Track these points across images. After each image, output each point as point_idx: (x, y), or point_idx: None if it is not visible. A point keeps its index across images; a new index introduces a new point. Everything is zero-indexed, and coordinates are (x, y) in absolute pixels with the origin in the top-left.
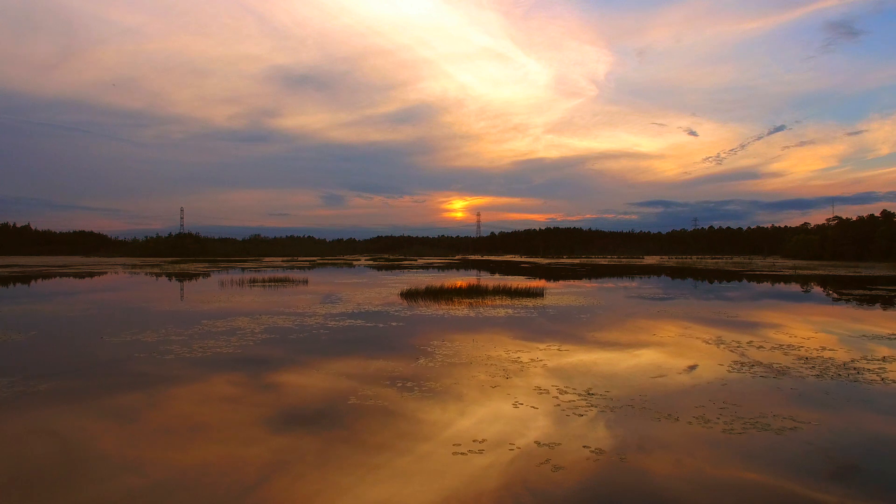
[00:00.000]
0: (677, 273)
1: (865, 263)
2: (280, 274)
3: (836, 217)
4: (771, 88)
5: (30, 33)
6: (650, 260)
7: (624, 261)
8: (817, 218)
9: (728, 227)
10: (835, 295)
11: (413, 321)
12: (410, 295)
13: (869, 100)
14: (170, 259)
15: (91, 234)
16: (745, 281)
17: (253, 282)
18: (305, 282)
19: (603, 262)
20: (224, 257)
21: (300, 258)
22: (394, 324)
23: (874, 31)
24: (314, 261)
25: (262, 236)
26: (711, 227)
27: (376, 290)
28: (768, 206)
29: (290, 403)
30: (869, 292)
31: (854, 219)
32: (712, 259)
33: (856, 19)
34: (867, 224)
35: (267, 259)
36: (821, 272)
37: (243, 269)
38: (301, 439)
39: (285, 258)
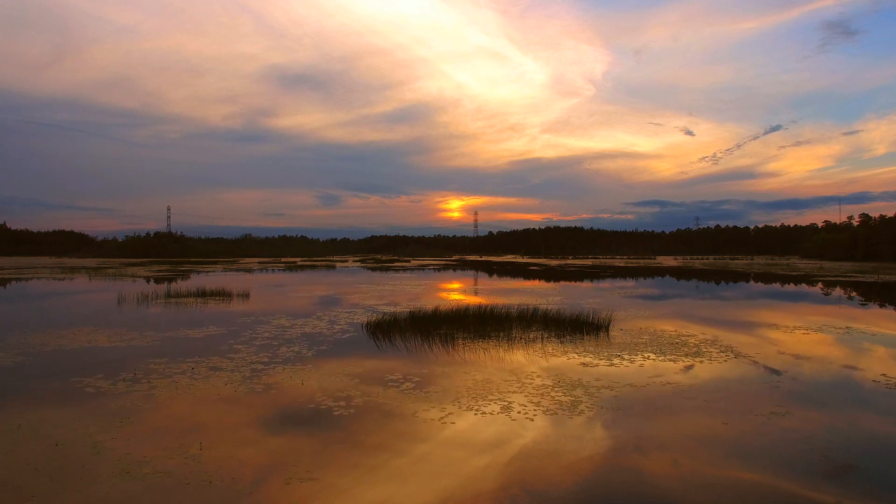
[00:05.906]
0: (730, 277)
1: None
2: (221, 280)
3: (864, 214)
4: (768, 88)
5: (24, 32)
6: (666, 261)
7: (641, 262)
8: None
9: (734, 227)
10: None
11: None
12: (383, 329)
13: (865, 100)
14: (137, 260)
15: (72, 233)
16: None
17: (169, 296)
18: (246, 296)
19: (619, 263)
20: (202, 258)
21: (284, 259)
22: None
23: (871, 31)
24: (294, 262)
25: (252, 236)
26: (718, 225)
27: (336, 312)
28: (764, 205)
29: None
30: None
31: (891, 215)
32: (731, 259)
33: (852, 19)
34: None
35: (247, 260)
36: None
37: (201, 272)
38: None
39: (266, 259)
